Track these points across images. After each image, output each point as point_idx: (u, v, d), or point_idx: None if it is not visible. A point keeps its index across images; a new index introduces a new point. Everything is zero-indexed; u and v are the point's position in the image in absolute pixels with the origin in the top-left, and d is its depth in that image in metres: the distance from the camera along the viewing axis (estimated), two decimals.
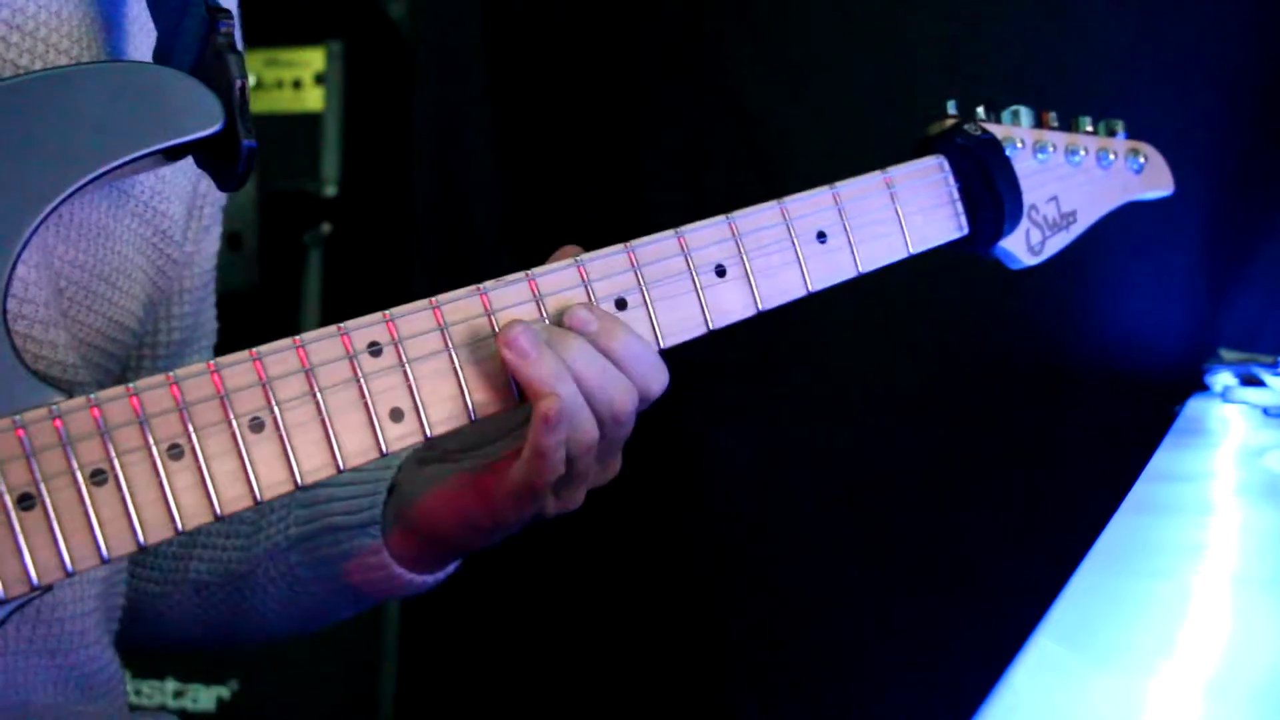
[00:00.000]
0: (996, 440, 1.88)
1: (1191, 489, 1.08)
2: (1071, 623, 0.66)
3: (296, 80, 2.44)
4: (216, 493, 0.74)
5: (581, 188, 2.14)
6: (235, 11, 1.04)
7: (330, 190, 2.42)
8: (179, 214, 0.97)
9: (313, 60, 2.44)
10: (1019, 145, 1.07)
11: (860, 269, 0.96)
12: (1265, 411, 1.42)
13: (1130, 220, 1.27)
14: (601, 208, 2.11)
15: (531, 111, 2.19)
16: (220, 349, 1.07)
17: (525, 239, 2.17)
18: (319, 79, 2.43)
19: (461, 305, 0.82)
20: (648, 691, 2.11)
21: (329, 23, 2.47)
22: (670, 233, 0.89)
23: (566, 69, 2.17)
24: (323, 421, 0.77)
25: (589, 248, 0.89)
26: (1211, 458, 1.25)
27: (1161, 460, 1.17)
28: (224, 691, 2.24)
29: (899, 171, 1.00)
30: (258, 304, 2.36)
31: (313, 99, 2.44)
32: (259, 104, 2.37)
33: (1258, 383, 1.49)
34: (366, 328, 0.79)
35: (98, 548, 0.71)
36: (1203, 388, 1.60)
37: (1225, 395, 1.51)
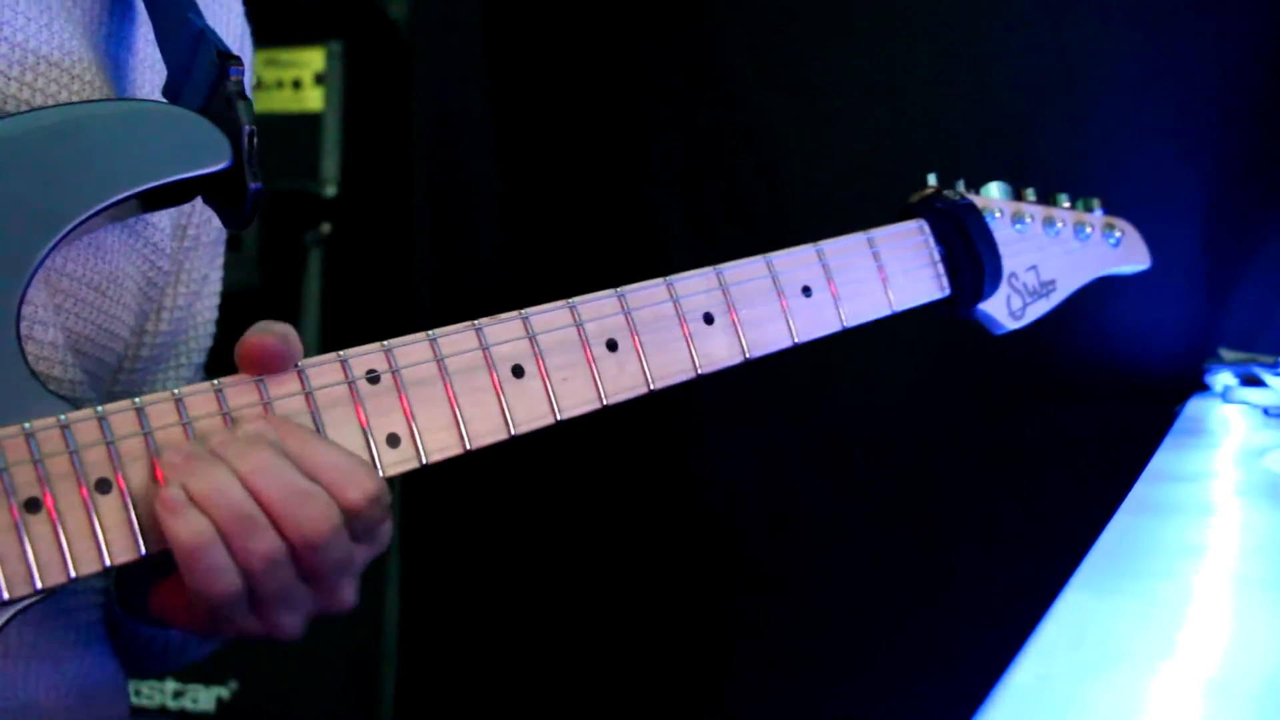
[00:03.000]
0: (996, 440, 1.88)
1: (1191, 489, 1.08)
2: (1071, 623, 0.66)
3: (296, 80, 2.44)
4: None
5: (582, 188, 2.14)
6: (248, 40, 1.05)
7: (330, 190, 2.43)
8: (166, 225, 0.97)
9: (313, 60, 2.44)
10: (997, 215, 1.12)
11: (845, 324, 1.01)
12: (1265, 411, 1.42)
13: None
14: (602, 208, 2.11)
15: (532, 112, 2.19)
16: (220, 349, 1.07)
17: (525, 239, 2.17)
18: (319, 79, 2.43)
19: (456, 339, 0.84)
20: (648, 691, 2.11)
21: (329, 23, 2.47)
22: (659, 281, 0.92)
23: (567, 69, 2.17)
24: None
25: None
26: (1212, 458, 1.25)
27: (1161, 460, 1.17)
28: (224, 691, 2.25)
29: (881, 233, 1.05)
30: (258, 304, 2.35)
31: (313, 99, 2.44)
32: (259, 104, 2.37)
33: (1258, 383, 1.49)
34: (365, 355, 0.82)
35: (100, 553, 0.73)
36: (1203, 388, 1.59)
37: (1225, 395, 1.51)
